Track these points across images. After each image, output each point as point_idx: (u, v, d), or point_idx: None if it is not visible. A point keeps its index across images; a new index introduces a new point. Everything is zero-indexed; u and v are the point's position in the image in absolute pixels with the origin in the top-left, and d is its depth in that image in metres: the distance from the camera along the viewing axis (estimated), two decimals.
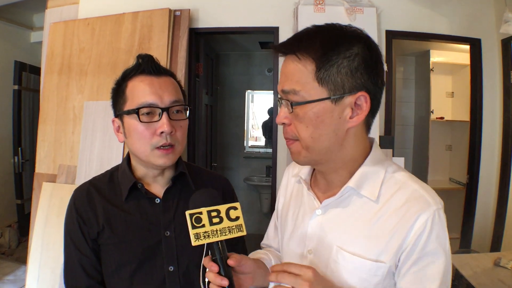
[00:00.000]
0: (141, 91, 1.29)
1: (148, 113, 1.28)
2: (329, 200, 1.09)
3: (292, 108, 1.00)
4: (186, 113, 1.37)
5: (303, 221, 1.17)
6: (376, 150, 1.11)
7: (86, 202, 1.38)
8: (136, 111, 1.27)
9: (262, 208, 6.04)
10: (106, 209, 1.36)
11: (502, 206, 3.73)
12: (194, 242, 0.96)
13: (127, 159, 1.44)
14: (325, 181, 1.15)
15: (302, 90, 0.97)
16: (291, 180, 1.35)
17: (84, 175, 3.38)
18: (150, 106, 1.27)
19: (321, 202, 1.12)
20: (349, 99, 0.98)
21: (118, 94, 1.35)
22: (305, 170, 1.24)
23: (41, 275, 3.25)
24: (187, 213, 0.99)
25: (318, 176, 1.18)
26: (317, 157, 1.05)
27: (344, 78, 0.96)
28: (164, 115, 1.27)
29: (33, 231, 3.35)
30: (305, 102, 0.98)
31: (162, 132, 1.26)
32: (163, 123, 1.26)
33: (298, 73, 0.98)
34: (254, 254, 1.37)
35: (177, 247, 1.35)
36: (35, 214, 3.38)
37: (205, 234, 0.98)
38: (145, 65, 1.33)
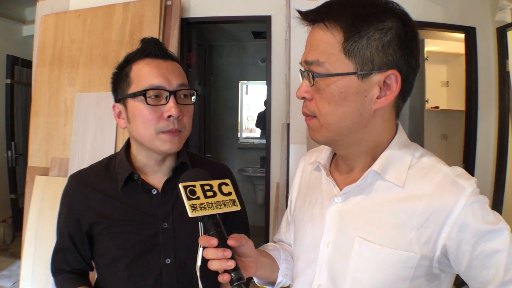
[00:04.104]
0: (148, 73, 1.24)
1: (155, 96, 1.23)
2: (350, 187, 1.01)
3: (313, 80, 0.93)
4: (192, 99, 1.32)
5: (321, 211, 1.09)
6: (401, 134, 1.03)
7: (79, 192, 1.36)
8: (143, 94, 1.22)
9: (257, 199, 6.00)
10: (100, 200, 1.33)
11: (499, 196, 3.73)
12: (191, 213, 0.92)
13: (126, 147, 1.40)
14: (346, 167, 1.07)
15: (327, 62, 0.90)
16: (308, 168, 1.27)
17: (77, 168, 3.31)
18: (158, 88, 1.23)
19: (341, 190, 1.04)
20: (377, 77, 0.90)
21: (121, 78, 1.31)
22: (324, 155, 1.16)
23: (35, 270, 3.25)
24: (181, 185, 0.95)
25: (340, 161, 1.10)
26: (337, 137, 0.97)
27: (374, 52, 0.88)
28: (172, 99, 1.23)
29: (26, 225, 3.34)
30: (328, 74, 0.91)
31: (169, 116, 1.22)
32: (171, 107, 1.22)
33: (324, 42, 0.91)
34: (262, 248, 1.31)
35: (175, 240, 1.32)
36: (28, 208, 3.37)
37: (201, 206, 0.94)
38: (152, 48, 1.28)
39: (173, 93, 1.23)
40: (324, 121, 0.95)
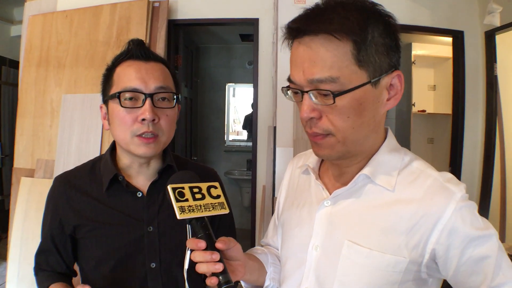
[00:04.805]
0: (127, 75, 1.23)
1: (131, 98, 1.21)
2: (340, 191, 1.00)
3: (334, 99, 0.86)
4: (174, 102, 1.28)
5: (310, 214, 1.08)
6: (391, 138, 1.03)
7: (63, 194, 1.34)
8: (117, 96, 1.20)
9: (243, 202, 6.02)
10: (85, 202, 1.31)
11: (485, 200, 3.74)
12: (180, 215, 0.91)
13: (111, 148, 1.39)
14: (337, 171, 1.06)
15: (341, 77, 0.85)
16: (296, 171, 1.25)
17: (62, 170, 3.28)
18: (133, 90, 1.21)
19: (330, 193, 1.04)
20: (385, 80, 0.90)
21: (107, 79, 1.30)
22: (313, 159, 1.15)
23: (21, 271, 3.22)
24: (170, 186, 0.94)
25: (330, 165, 1.09)
26: (352, 149, 0.95)
27: (381, 57, 0.87)
28: (148, 101, 1.20)
29: (12, 227, 3.31)
30: (348, 90, 0.85)
31: (143, 119, 1.19)
32: (145, 110, 1.19)
33: (332, 56, 0.85)
34: (250, 251, 1.30)
35: (160, 243, 1.30)
36: (14, 210, 3.34)
37: (189, 208, 0.93)
38: (134, 50, 1.27)
39: (149, 95, 1.21)
40: (342, 136, 0.92)
